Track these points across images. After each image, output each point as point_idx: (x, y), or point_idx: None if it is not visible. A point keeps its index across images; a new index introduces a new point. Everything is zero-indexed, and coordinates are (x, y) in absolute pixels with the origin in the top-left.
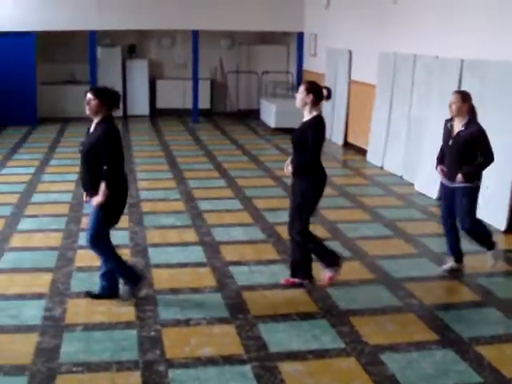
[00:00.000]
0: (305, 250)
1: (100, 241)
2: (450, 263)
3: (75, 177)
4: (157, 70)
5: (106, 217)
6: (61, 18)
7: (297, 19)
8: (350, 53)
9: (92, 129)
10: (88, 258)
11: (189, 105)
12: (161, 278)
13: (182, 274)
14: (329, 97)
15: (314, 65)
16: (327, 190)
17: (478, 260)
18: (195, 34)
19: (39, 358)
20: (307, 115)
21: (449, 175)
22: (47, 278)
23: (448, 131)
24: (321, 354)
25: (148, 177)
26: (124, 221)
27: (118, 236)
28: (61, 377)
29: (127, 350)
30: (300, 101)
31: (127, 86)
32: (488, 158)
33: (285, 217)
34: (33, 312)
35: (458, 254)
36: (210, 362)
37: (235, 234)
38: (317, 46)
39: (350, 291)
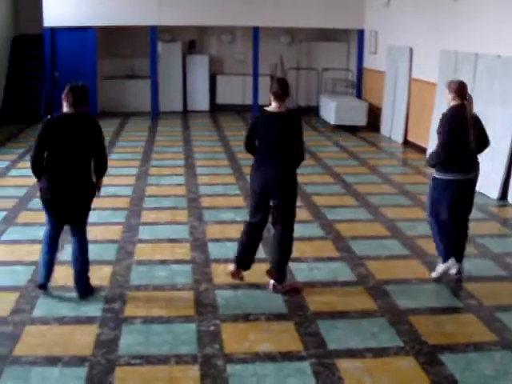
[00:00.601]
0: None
1: (45, 229)
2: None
3: (136, 171)
4: (217, 65)
5: (44, 208)
6: (122, 14)
7: (357, 16)
8: (411, 50)
9: None
10: (148, 252)
11: (249, 101)
12: (220, 273)
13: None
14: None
15: (374, 62)
16: (385, 188)
17: None
18: (256, 31)
19: (98, 350)
20: None
21: None
22: (107, 270)
23: None
24: (379, 353)
25: (208, 172)
26: (183, 215)
27: (178, 230)
28: (120, 369)
29: (186, 344)
30: None
31: (187, 82)
32: (439, 148)
33: (344, 214)
34: (92, 304)
35: (447, 254)
36: (269, 357)
37: (294, 231)
38: (377, 44)
39: (409, 290)
